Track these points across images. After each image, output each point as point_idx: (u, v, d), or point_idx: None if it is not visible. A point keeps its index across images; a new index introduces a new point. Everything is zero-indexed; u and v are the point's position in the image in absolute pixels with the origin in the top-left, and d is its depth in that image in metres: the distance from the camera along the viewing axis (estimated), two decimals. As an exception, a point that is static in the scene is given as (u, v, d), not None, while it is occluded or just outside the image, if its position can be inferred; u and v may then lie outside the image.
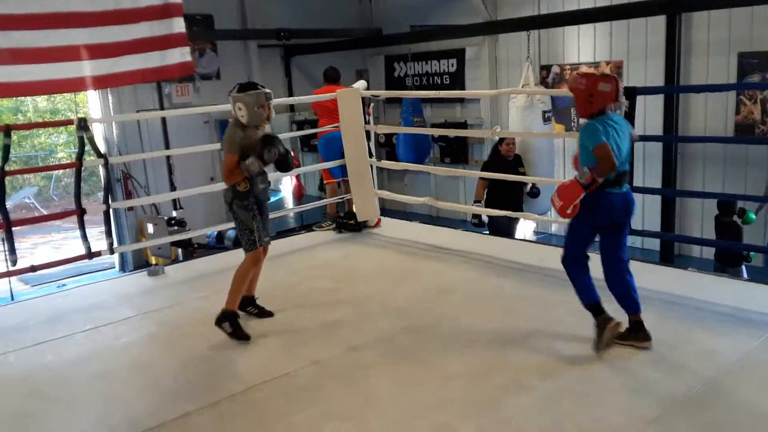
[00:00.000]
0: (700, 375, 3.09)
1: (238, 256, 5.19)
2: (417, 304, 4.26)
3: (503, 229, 6.71)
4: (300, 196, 10.44)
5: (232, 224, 7.79)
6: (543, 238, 9.56)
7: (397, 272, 4.93)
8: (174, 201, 8.17)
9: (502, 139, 7.00)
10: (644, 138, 4.43)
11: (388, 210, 9.17)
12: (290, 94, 10.59)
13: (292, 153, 4.01)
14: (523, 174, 7.04)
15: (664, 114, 7.29)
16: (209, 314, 4.13)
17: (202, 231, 6.12)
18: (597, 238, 3.49)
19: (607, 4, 8.47)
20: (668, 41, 7.33)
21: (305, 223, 8.67)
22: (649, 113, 7.25)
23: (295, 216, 10.08)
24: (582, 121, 3.45)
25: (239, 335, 3.74)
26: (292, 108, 10.82)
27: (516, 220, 7.16)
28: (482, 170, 6.90)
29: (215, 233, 8.09)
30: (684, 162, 8.05)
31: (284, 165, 3.85)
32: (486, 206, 6.76)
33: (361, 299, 4.38)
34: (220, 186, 7.70)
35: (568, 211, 3.25)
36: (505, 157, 6.99)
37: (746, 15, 7.37)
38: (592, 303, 3.39)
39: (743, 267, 6.31)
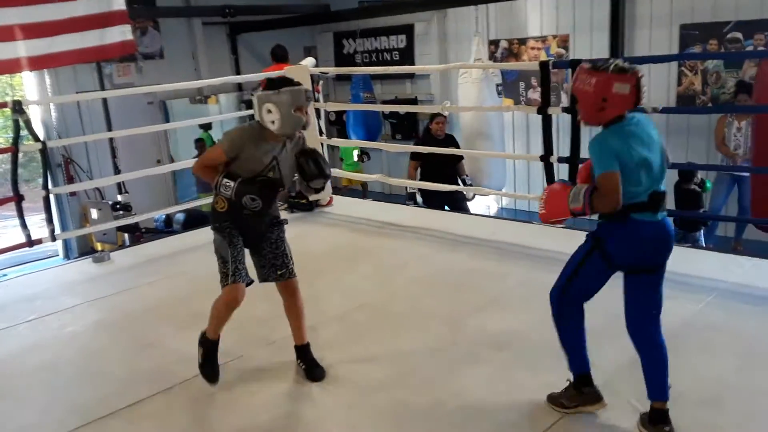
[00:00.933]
0: (646, 340, 3.18)
1: (186, 239, 5.11)
2: (370, 281, 4.27)
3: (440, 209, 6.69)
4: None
5: (180, 206, 7.62)
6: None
7: (349, 251, 4.92)
8: (119, 185, 7.94)
9: (432, 117, 6.84)
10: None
11: (340, 188, 9.14)
12: (238, 73, 10.36)
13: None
14: (456, 156, 6.74)
15: (609, 86, 7.41)
16: (158, 300, 4.06)
17: (149, 215, 5.95)
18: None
19: (553, -22, 8.54)
20: (612, 14, 7.45)
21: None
22: (595, 86, 7.36)
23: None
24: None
25: (206, 371, 2.99)
26: (240, 87, 10.60)
27: (461, 200, 7.03)
28: (413, 151, 6.66)
29: (163, 217, 7.89)
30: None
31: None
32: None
33: (315, 279, 4.33)
34: (167, 168, 7.49)
35: (550, 219, 2.61)
36: (435, 136, 6.75)
37: (687, -13, 7.53)
38: (579, 375, 2.65)
39: (701, 231, 6.55)
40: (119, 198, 7.79)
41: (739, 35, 7.30)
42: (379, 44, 10.99)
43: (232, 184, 2.82)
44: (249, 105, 10.26)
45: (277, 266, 3.04)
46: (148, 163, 8.53)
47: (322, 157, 3.00)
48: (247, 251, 3.02)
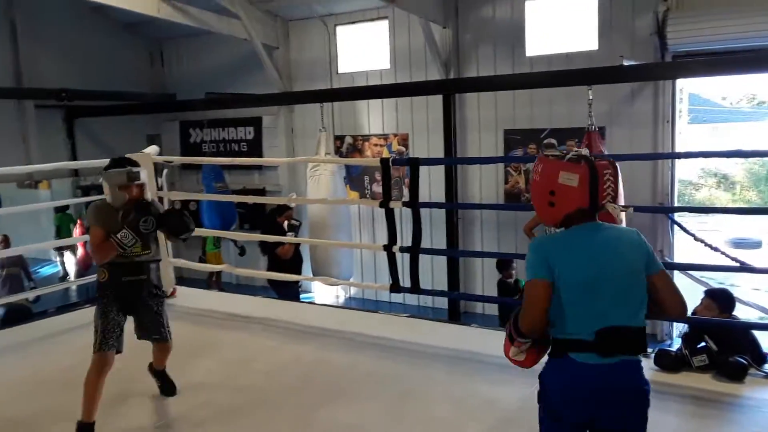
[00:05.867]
0: (484, 424, 3.34)
1: (3, 338, 4.69)
2: (216, 377, 4.10)
3: (292, 293, 6.81)
4: (86, 266, 9.59)
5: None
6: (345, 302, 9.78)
7: (194, 344, 4.70)
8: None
9: (282, 210, 7.13)
10: (427, 205, 4.77)
11: (186, 279, 8.78)
12: (74, 158, 9.82)
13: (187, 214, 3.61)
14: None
15: (445, 183, 8.00)
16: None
17: (-40, 311, 5.32)
18: None
19: (392, 82, 9.21)
20: (445, 118, 8.13)
21: (91, 296, 7.96)
22: (433, 182, 7.92)
23: (78, 288, 9.20)
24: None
25: None
26: (76, 173, 10.04)
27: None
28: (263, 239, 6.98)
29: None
30: (464, 226, 8.84)
31: (177, 226, 3.48)
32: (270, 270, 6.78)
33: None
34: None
35: (515, 358, 2.15)
36: (281, 224, 7.13)
37: (509, 97, 8.48)
38: None
39: None
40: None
41: (554, 141, 8.28)
42: (227, 135, 11.04)
43: (125, 231, 3.24)
44: (86, 191, 9.74)
45: (154, 333, 3.54)
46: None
47: (186, 215, 3.55)
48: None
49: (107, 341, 3.30)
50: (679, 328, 4.55)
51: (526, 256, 2.02)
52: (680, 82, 7.82)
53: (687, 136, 8.50)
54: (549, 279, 1.92)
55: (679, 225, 7.53)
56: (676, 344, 3.93)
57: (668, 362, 3.77)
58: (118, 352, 3.37)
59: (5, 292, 7.92)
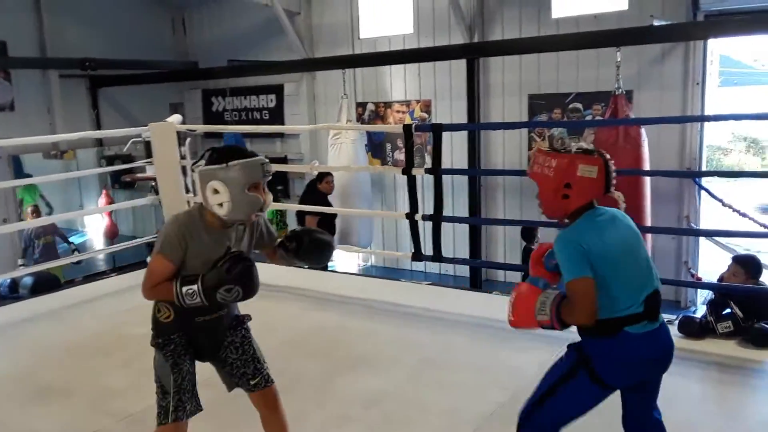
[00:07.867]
0: (506, 390, 3.34)
1: (34, 306, 4.77)
2: (239, 343, 4.15)
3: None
4: (113, 235, 9.75)
5: (26, 270, 6.99)
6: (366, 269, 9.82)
7: (217, 312, 4.78)
8: (-43, 247, 7.22)
9: (321, 177, 7.08)
10: (449, 171, 4.72)
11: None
12: (98, 128, 9.91)
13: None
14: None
15: (468, 149, 7.91)
16: None
17: (-9, 279, 5.45)
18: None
19: (414, 47, 9.08)
20: (469, 83, 8.00)
21: (117, 265, 8.12)
22: (455, 149, 7.84)
23: (105, 257, 9.38)
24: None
25: None
26: (100, 142, 10.14)
27: None
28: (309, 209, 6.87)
29: (8, 281, 7.25)
30: (487, 193, 8.77)
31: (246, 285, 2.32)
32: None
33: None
34: (12, 227, 6.85)
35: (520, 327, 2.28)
36: (326, 194, 7.09)
37: (534, 61, 8.30)
38: None
39: None
40: (-44, 261, 7.07)
41: (579, 105, 8.11)
42: (249, 103, 11.01)
43: (196, 287, 2.19)
44: (110, 161, 9.84)
45: (248, 375, 2.46)
46: (-9, 222, 7.86)
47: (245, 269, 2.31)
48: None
49: (183, 406, 2.29)
50: (703, 294, 4.47)
51: (559, 253, 2.07)
52: (711, 44, 7.57)
53: (717, 99, 8.25)
54: (592, 275, 2.00)
55: (707, 190, 7.37)
56: (701, 311, 3.87)
57: (693, 329, 3.72)
58: (199, 410, 2.38)
59: (43, 260, 8.04)
